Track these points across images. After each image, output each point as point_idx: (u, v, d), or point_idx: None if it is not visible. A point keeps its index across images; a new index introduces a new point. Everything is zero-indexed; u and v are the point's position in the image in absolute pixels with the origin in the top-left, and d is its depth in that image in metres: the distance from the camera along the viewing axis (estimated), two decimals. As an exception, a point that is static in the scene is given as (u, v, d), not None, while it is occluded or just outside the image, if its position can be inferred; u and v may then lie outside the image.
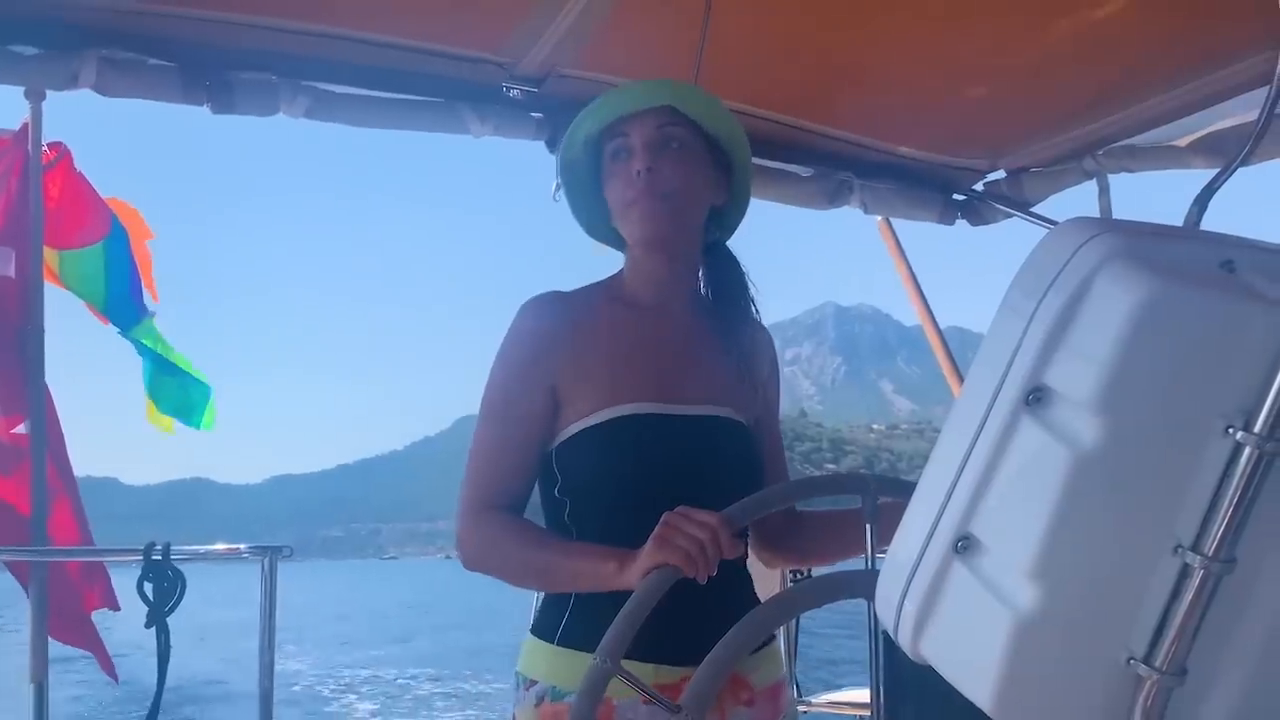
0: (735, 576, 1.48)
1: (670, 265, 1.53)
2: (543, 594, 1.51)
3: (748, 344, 1.59)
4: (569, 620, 1.41)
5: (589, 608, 1.38)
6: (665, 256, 1.52)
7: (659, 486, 1.41)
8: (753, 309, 1.61)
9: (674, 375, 1.49)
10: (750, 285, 1.61)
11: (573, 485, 1.45)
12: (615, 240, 1.59)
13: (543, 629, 1.45)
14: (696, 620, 1.25)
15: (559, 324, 1.48)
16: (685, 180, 1.48)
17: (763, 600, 1.22)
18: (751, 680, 1.45)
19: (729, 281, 1.60)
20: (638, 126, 1.48)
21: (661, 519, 1.24)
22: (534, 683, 1.41)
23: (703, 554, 1.20)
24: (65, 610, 2.71)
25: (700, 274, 1.61)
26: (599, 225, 1.59)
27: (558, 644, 1.41)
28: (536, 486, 1.50)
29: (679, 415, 1.46)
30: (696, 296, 1.58)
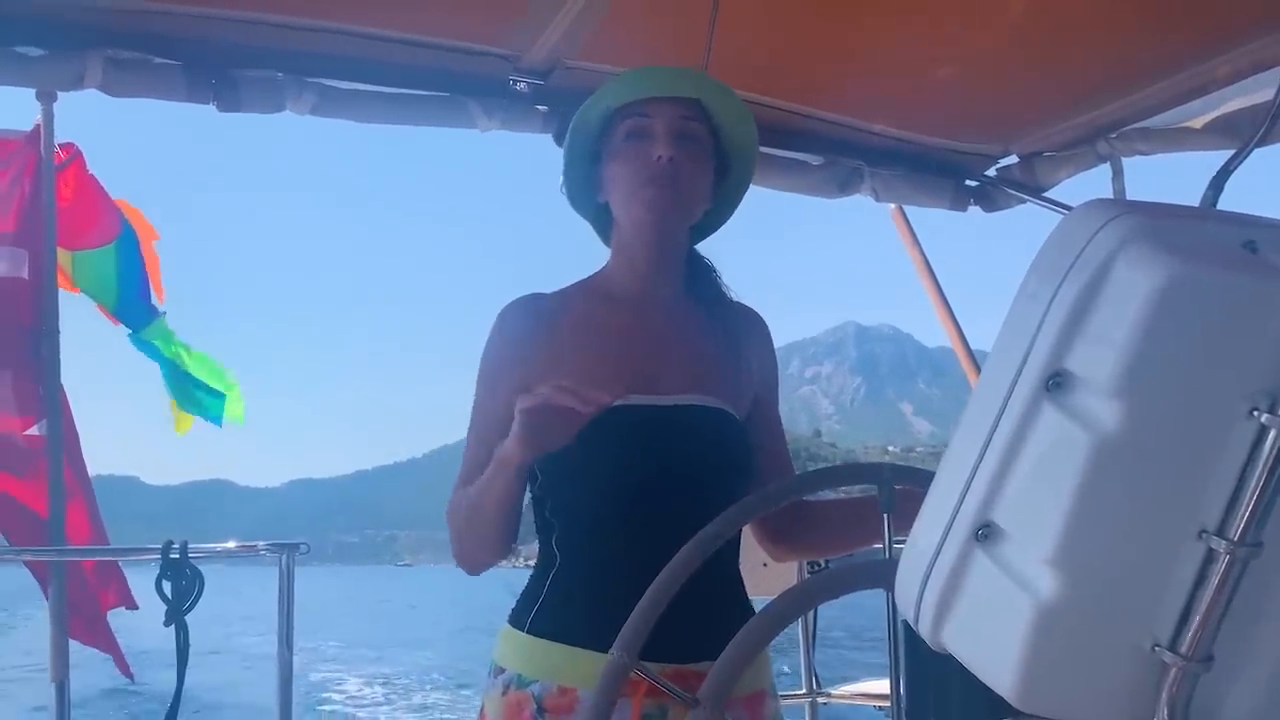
0: (724, 574, 1.46)
1: (658, 254, 1.52)
2: (522, 587, 1.51)
3: (737, 330, 1.58)
4: (539, 609, 1.41)
5: (559, 597, 1.40)
6: (652, 242, 1.50)
7: (638, 479, 1.40)
8: (728, 294, 1.60)
9: (651, 365, 1.47)
10: (721, 283, 1.61)
11: (552, 483, 1.45)
12: (597, 218, 1.58)
13: (516, 618, 1.45)
14: (679, 615, 1.22)
15: (533, 325, 1.48)
16: (698, 178, 1.49)
17: (779, 594, 1.22)
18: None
19: (704, 281, 1.59)
20: (662, 111, 1.46)
21: (517, 414, 1.27)
22: (503, 670, 1.41)
23: (565, 422, 1.24)
24: (81, 610, 2.73)
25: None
26: (583, 199, 1.57)
27: (527, 632, 1.41)
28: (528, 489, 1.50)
29: (656, 405, 1.44)
30: (679, 289, 1.56)
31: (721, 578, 1.45)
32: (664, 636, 1.23)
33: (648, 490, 1.40)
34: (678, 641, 1.30)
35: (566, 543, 1.44)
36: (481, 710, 1.43)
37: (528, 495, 1.50)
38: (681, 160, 1.45)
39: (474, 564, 1.47)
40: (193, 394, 3.41)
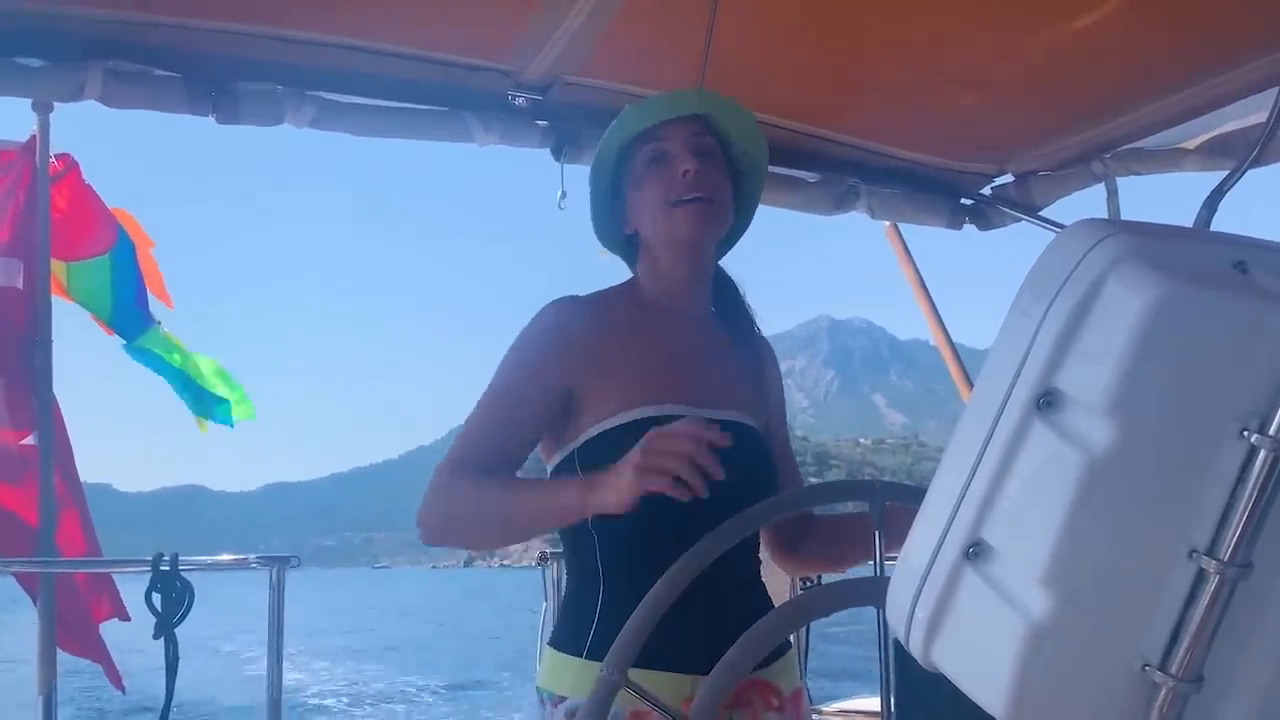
0: (752, 585, 1.49)
1: (691, 271, 1.55)
2: (561, 607, 1.49)
3: (759, 355, 1.62)
4: (597, 631, 1.38)
5: (615, 619, 1.31)
6: (690, 261, 1.53)
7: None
8: (755, 325, 1.64)
9: (695, 379, 1.49)
10: (748, 305, 1.64)
11: None
12: (623, 247, 1.61)
13: (565, 642, 1.42)
14: (726, 629, 1.23)
15: (579, 326, 1.48)
16: (723, 189, 1.52)
17: (771, 611, 1.21)
18: (780, 686, 1.45)
19: (732, 300, 1.63)
20: (675, 132, 1.50)
21: (640, 443, 1.20)
22: (562, 698, 1.38)
23: (692, 468, 1.16)
24: (72, 621, 2.71)
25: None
26: (609, 230, 1.61)
27: (586, 657, 1.37)
28: None
29: (702, 418, 1.44)
30: (708, 307, 1.60)
31: (750, 586, 1.48)
32: (700, 648, 1.25)
33: (699, 504, 1.39)
34: (715, 653, 1.29)
35: (613, 558, 1.41)
36: None
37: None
38: (706, 171, 1.49)
39: (445, 542, 1.41)
40: (199, 398, 3.41)
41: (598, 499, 1.24)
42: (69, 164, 2.86)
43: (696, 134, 1.51)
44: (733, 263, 1.66)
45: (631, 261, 1.61)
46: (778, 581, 2.54)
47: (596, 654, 1.34)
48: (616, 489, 1.21)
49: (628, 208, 1.55)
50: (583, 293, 1.59)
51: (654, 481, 1.17)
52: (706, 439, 1.17)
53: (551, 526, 1.36)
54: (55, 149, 2.75)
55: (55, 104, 2.52)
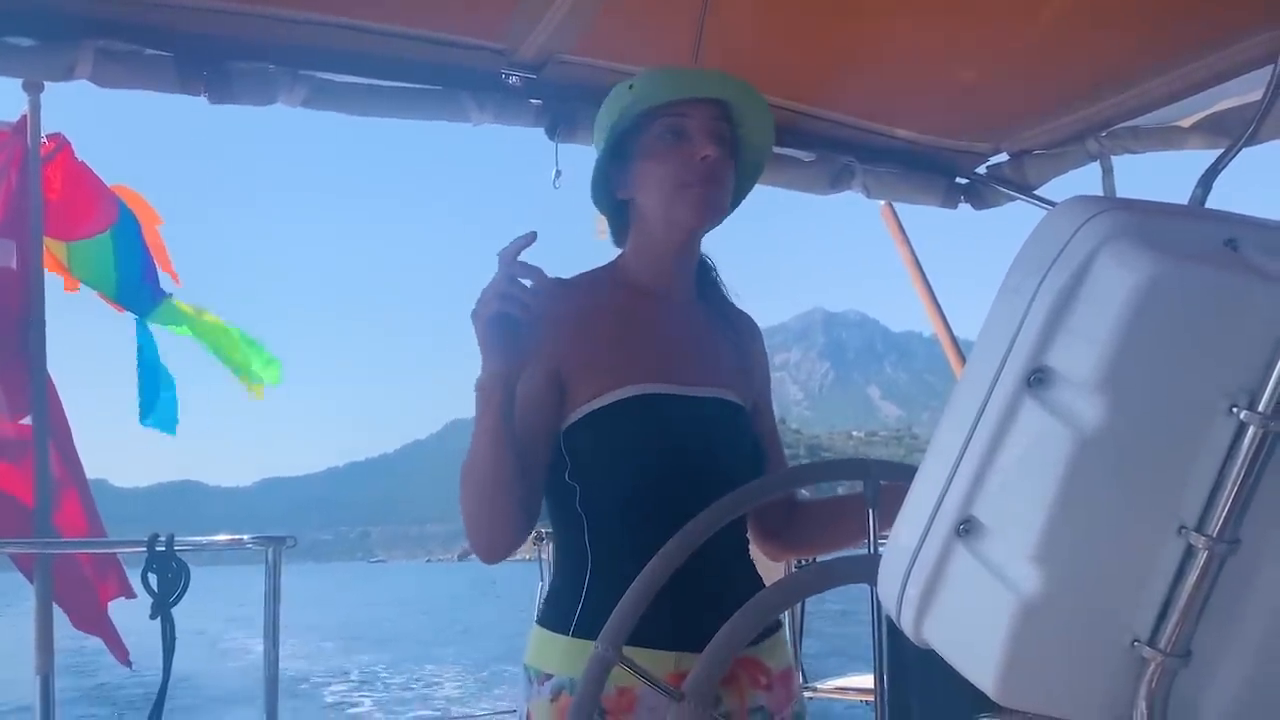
0: (741, 564, 1.51)
1: (680, 251, 1.54)
2: (548, 586, 1.50)
3: (741, 333, 1.62)
4: (584, 610, 1.39)
5: (602, 597, 1.35)
6: (682, 243, 1.53)
7: (670, 466, 1.42)
8: (731, 298, 1.64)
9: (679, 358, 1.49)
10: (722, 282, 1.65)
11: (583, 468, 1.44)
12: (615, 213, 1.58)
13: (553, 620, 1.43)
14: (710, 607, 1.25)
15: (561, 309, 1.48)
16: (730, 179, 1.51)
17: (765, 588, 1.22)
18: (769, 665, 1.46)
19: (709, 277, 1.63)
20: (696, 111, 1.47)
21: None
22: (549, 676, 1.39)
23: (510, 295, 1.30)
24: (79, 600, 2.72)
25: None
26: (605, 195, 1.57)
27: (573, 635, 1.38)
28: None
29: (686, 396, 1.46)
30: (692, 287, 1.60)
31: (741, 567, 1.50)
32: (684, 625, 1.28)
33: (679, 477, 1.40)
34: (704, 631, 1.29)
35: (600, 538, 1.42)
36: (527, 717, 1.41)
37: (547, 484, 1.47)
38: (720, 159, 1.47)
39: (490, 547, 1.40)
40: (154, 397, 3.33)
41: (481, 372, 1.35)
42: (60, 143, 2.84)
43: (716, 119, 1.48)
44: (731, 256, 1.66)
45: (619, 227, 1.59)
46: (770, 559, 2.55)
47: (583, 632, 1.37)
48: (481, 352, 1.34)
49: (631, 174, 1.51)
50: (577, 269, 1.59)
51: (485, 322, 1.31)
52: (511, 273, 1.30)
53: (486, 436, 1.35)
54: (47, 129, 2.73)
55: (46, 84, 2.51)
